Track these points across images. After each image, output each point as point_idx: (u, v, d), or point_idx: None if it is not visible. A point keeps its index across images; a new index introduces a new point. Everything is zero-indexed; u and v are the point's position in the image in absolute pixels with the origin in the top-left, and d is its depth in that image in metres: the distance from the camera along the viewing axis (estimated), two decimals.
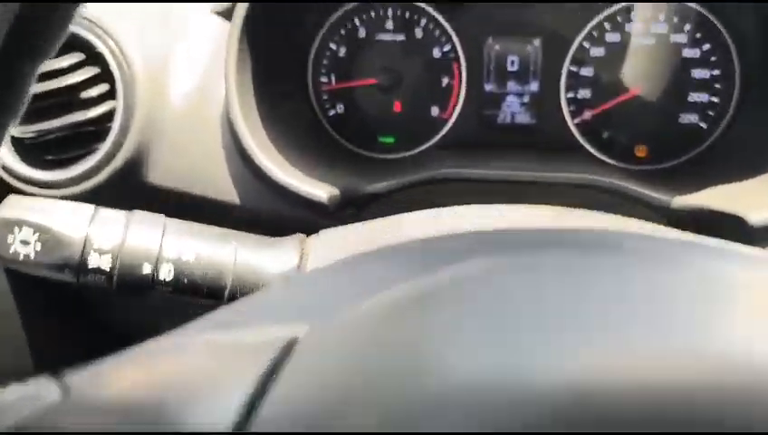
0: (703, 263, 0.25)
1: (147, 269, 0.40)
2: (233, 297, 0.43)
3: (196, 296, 0.42)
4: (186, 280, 0.41)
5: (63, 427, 0.21)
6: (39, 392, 0.22)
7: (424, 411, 0.16)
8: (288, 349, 0.22)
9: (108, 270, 0.39)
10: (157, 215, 0.43)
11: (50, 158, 0.62)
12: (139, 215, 0.42)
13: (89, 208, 0.42)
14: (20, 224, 0.38)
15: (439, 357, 0.18)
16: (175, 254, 0.40)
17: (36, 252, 0.38)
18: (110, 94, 0.62)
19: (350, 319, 0.22)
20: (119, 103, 0.61)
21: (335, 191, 0.58)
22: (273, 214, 0.60)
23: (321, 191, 0.57)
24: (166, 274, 0.40)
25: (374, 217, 0.63)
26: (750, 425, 0.15)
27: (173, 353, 0.23)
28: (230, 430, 0.19)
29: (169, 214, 0.62)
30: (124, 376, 0.22)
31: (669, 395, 0.16)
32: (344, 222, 0.61)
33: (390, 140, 0.77)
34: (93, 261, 0.39)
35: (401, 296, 0.23)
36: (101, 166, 0.61)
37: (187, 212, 0.62)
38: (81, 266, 0.39)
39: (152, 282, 0.40)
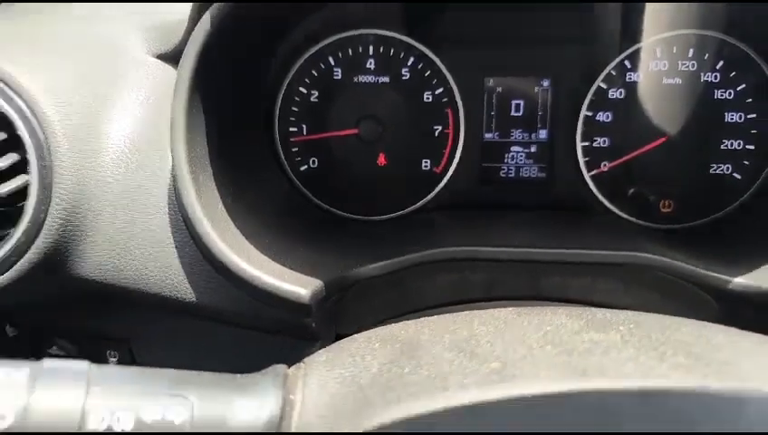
0: None
1: None
2: None
3: None
4: None
5: None
6: None
7: None
8: None
9: None
10: (76, 363, 0.30)
11: None
12: (50, 365, 0.29)
13: (24, 368, 0.29)
14: None
15: None
16: (103, 423, 0.28)
17: None
18: (24, 166, 0.49)
19: None
20: (33, 178, 0.48)
21: (318, 284, 0.46)
22: (240, 312, 0.47)
23: (302, 289, 0.44)
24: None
25: (359, 297, 0.51)
26: None
27: None
28: None
29: (110, 311, 0.49)
30: None
31: None
32: (325, 312, 0.49)
33: (375, 199, 0.65)
34: None
35: None
36: (14, 258, 0.48)
37: (129, 311, 0.49)
38: None
39: None
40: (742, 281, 0.49)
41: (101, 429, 0.29)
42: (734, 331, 0.37)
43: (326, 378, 0.34)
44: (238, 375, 0.35)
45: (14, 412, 0.28)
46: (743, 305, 0.49)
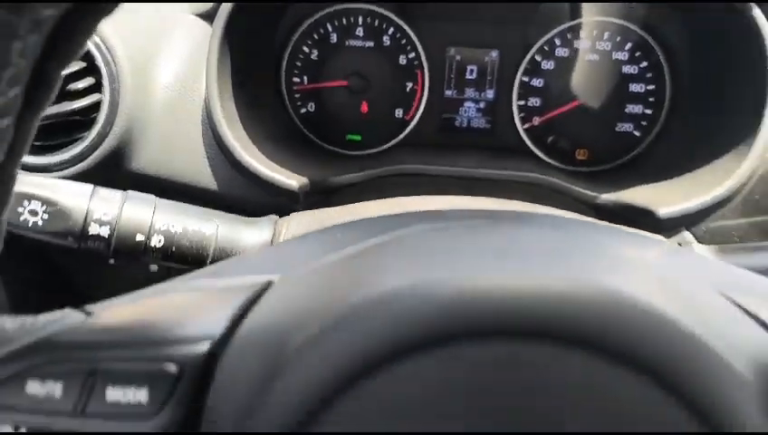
0: (579, 230, 0.33)
1: (140, 238, 0.45)
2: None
3: (181, 263, 0.47)
4: (174, 248, 0.46)
5: (83, 341, 0.27)
6: (65, 317, 0.28)
7: (361, 312, 0.23)
8: (265, 287, 0.28)
9: (106, 237, 0.45)
10: (148, 195, 0.49)
11: (39, 144, 0.67)
12: (133, 194, 0.48)
13: (89, 187, 0.47)
14: (29, 197, 0.43)
15: (373, 278, 0.25)
16: (164, 226, 0.46)
17: (44, 221, 0.43)
18: (97, 87, 0.67)
19: (312, 268, 0.29)
20: (105, 96, 0.66)
21: (304, 181, 0.65)
22: (248, 200, 0.65)
23: (292, 181, 0.63)
24: (156, 242, 0.46)
25: (339, 204, 0.69)
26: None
27: (174, 292, 0.29)
28: (217, 338, 0.26)
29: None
30: (132, 306, 0.28)
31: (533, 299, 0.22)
32: (312, 208, 0.67)
33: (357, 137, 0.83)
34: (93, 230, 0.44)
35: (349, 251, 0.29)
36: (87, 153, 0.66)
37: (170, 196, 0.67)
38: (82, 234, 0.44)
39: (144, 249, 0.46)
40: (608, 196, 0.67)
41: (163, 228, 0.47)
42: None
43: (304, 220, 0.53)
44: (249, 217, 0.53)
45: (113, 213, 0.47)
46: (609, 217, 0.67)
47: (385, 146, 0.83)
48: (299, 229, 0.50)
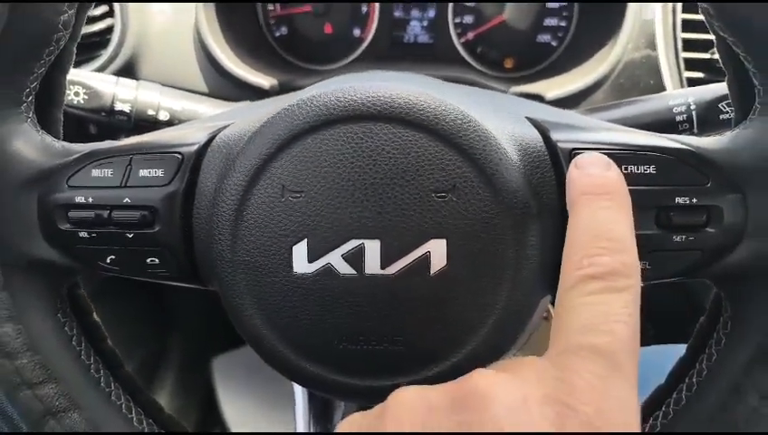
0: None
1: (151, 112, 0.64)
2: None
3: None
4: (176, 121, 0.65)
5: (123, 146, 0.45)
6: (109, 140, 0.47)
7: (300, 109, 0.41)
8: (231, 123, 0.46)
9: (128, 112, 0.64)
10: (155, 84, 0.67)
11: None
12: (144, 83, 0.66)
13: (112, 77, 0.66)
14: (73, 83, 0.62)
15: (304, 96, 0.43)
16: (169, 105, 0.65)
17: (84, 100, 0.62)
18: (109, 14, 0.85)
19: (263, 111, 0.47)
20: (116, 21, 0.84)
21: (274, 82, 0.83)
22: (228, 97, 0.84)
23: (264, 81, 0.81)
24: (163, 116, 0.65)
25: None
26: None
27: (178, 127, 0.48)
28: (202, 142, 0.44)
29: None
30: (152, 133, 0.47)
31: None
32: None
33: (321, 55, 1.01)
34: (119, 106, 0.63)
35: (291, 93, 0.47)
36: (105, 67, 0.84)
37: None
38: (111, 110, 0.63)
39: (155, 121, 0.65)
40: (515, 89, 0.85)
41: (168, 106, 0.66)
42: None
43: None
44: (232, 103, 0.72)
45: (132, 94, 0.65)
46: None
47: (345, 60, 1.01)
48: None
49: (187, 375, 1.54)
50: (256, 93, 0.82)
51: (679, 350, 0.49)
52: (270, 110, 0.43)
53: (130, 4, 0.83)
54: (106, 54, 0.84)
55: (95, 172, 0.43)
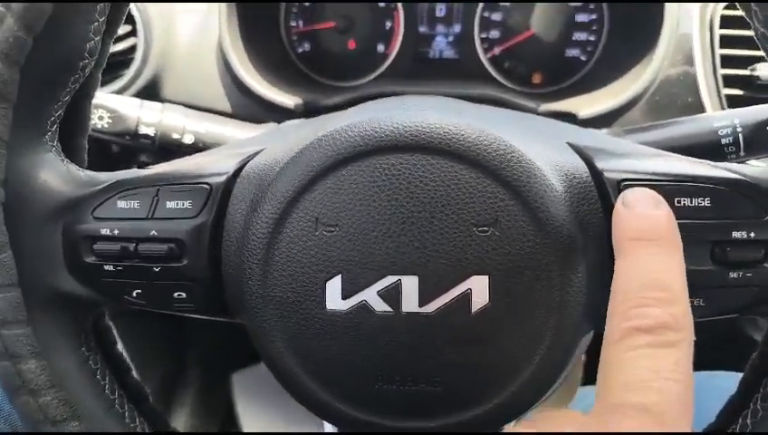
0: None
1: (176, 136, 0.63)
2: None
3: None
4: (200, 144, 0.64)
5: (151, 176, 0.44)
6: (136, 169, 0.45)
7: (334, 139, 0.39)
8: (260, 150, 0.45)
9: (152, 136, 0.63)
10: (180, 106, 0.66)
11: None
12: (169, 105, 0.65)
13: (137, 100, 0.64)
14: (98, 107, 0.61)
15: (328, 124, 0.41)
16: (193, 128, 0.63)
17: (109, 124, 0.61)
18: (133, 33, 0.84)
19: (294, 135, 0.45)
20: (139, 40, 0.83)
21: (299, 101, 0.81)
22: (253, 117, 0.83)
23: (288, 100, 0.80)
24: (188, 139, 0.64)
25: None
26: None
27: (206, 154, 0.46)
28: (231, 172, 0.43)
29: None
30: (179, 161, 0.46)
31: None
32: None
33: (345, 71, 0.99)
34: (143, 130, 0.62)
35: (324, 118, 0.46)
36: (127, 86, 0.83)
37: None
38: (135, 134, 0.62)
39: (179, 145, 0.63)
40: (546, 106, 0.83)
41: (193, 129, 0.65)
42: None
43: (296, 121, 0.70)
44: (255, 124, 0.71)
45: (156, 118, 0.64)
46: None
47: (369, 77, 0.99)
48: (294, 122, 0.67)
49: (206, 392, 1.52)
50: (281, 113, 0.81)
51: (720, 377, 0.46)
52: (302, 137, 0.42)
53: (154, 23, 0.83)
54: (129, 74, 0.83)
55: (121, 204, 0.42)
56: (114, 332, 0.50)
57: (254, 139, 0.50)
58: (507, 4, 0.94)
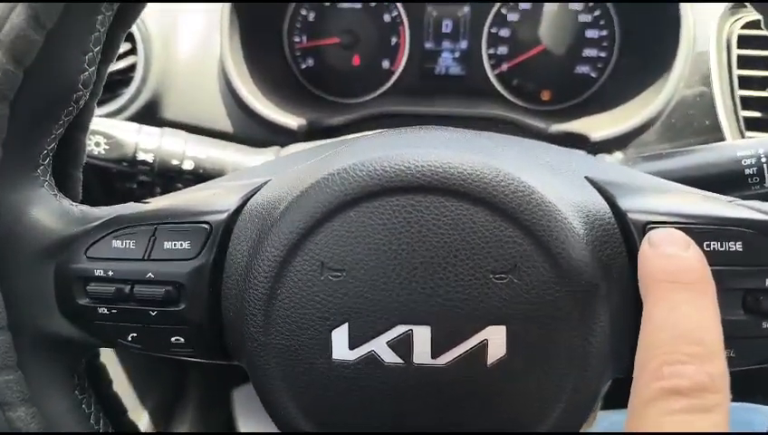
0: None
1: (175, 162, 0.61)
2: None
3: (206, 181, 0.63)
4: (201, 170, 0.62)
5: (147, 213, 0.42)
6: (131, 204, 0.43)
7: (342, 179, 0.37)
8: (265, 182, 0.42)
9: (151, 162, 0.60)
10: (180, 130, 0.64)
11: None
12: (168, 130, 0.63)
13: (135, 125, 0.62)
14: (94, 133, 0.58)
15: (333, 162, 0.39)
16: (194, 153, 0.61)
17: (105, 150, 0.58)
18: (132, 51, 0.82)
19: (294, 168, 0.43)
20: (139, 58, 0.81)
21: (303, 122, 0.79)
22: (256, 139, 0.80)
23: (292, 121, 0.78)
24: (188, 166, 0.61)
25: None
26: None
27: (205, 188, 0.44)
28: (233, 209, 0.40)
29: None
30: (177, 196, 0.43)
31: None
32: None
33: (351, 87, 0.97)
34: (141, 156, 0.60)
35: (331, 153, 0.43)
36: (127, 106, 0.81)
37: None
38: (133, 160, 0.60)
39: (179, 171, 0.61)
40: (556, 127, 0.80)
41: (193, 155, 0.63)
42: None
43: (300, 148, 0.67)
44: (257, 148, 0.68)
45: (154, 143, 0.62)
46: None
47: (375, 93, 0.97)
48: (296, 149, 0.65)
49: (206, 409, 1.50)
50: (284, 134, 0.79)
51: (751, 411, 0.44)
52: (307, 172, 0.39)
53: (154, 41, 0.81)
54: (128, 94, 0.81)
55: (116, 243, 0.40)
56: (108, 371, 0.48)
57: (256, 169, 0.47)
58: (516, 18, 0.92)
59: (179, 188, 0.62)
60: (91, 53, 0.41)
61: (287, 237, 0.37)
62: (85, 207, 0.43)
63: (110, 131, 0.58)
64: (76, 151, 0.45)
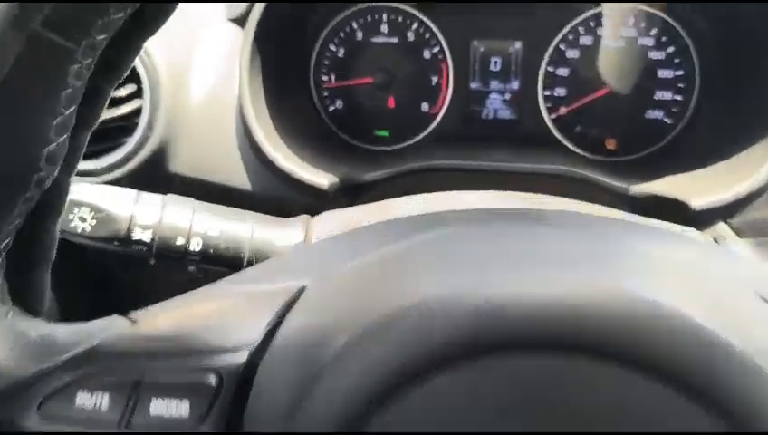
0: (617, 233, 0.33)
1: (180, 241, 0.49)
2: (250, 265, 0.51)
3: (219, 265, 0.50)
4: (211, 251, 0.49)
5: (129, 350, 0.29)
6: (111, 325, 0.31)
7: (393, 323, 0.25)
8: (299, 293, 0.30)
9: (149, 242, 0.48)
10: (187, 198, 0.52)
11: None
12: (173, 198, 0.51)
13: (132, 192, 0.50)
14: (79, 204, 0.47)
15: (404, 286, 0.26)
16: (203, 229, 0.49)
17: (92, 226, 0.46)
18: (137, 93, 0.71)
19: (342, 272, 0.30)
20: (145, 102, 0.70)
21: (334, 179, 0.67)
22: (280, 199, 0.68)
23: (322, 179, 0.65)
24: (195, 245, 0.49)
25: (369, 202, 0.71)
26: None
27: (213, 299, 0.31)
28: (255, 346, 0.28)
29: (193, 197, 0.70)
30: (175, 314, 0.31)
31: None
32: (342, 206, 0.69)
33: (385, 133, 0.85)
34: (137, 235, 0.48)
35: (378, 255, 0.31)
36: (130, 157, 0.70)
37: (207, 196, 0.70)
38: (126, 239, 0.48)
39: (184, 252, 0.49)
40: (640, 187, 0.67)
41: (201, 232, 0.50)
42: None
43: (334, 219, 0.55)
44: (281, 217, 0.56)
45: (154, 217, 0.50)
46: (641, 209, 0.67)
47: (413, 140, 0.85)
48: (330, 229, 0.52)
49: None
50: (313, 194, 0.66)
51: None
52: (363, 289, 0.27)
53: (163, 83, 0.69)
54: (131, 143, 0.70)
55: (82, 398, 0.27)
56: None
57: (283, 264, 0.35)
58: (576, 55, 0.80)
59: (181, 274, 0.51)
60: (61, 117, 0.29)
61: (344, 412, 0.24)
62: (46, 329, 0.31)
63: (100, 202, 0.46)
64: (41, 246, 0.33)
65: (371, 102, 0.84)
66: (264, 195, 0.69)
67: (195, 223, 0.49)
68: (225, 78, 0.73)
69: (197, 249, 0.49)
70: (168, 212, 0.49)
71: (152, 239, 0.48)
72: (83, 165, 0.70)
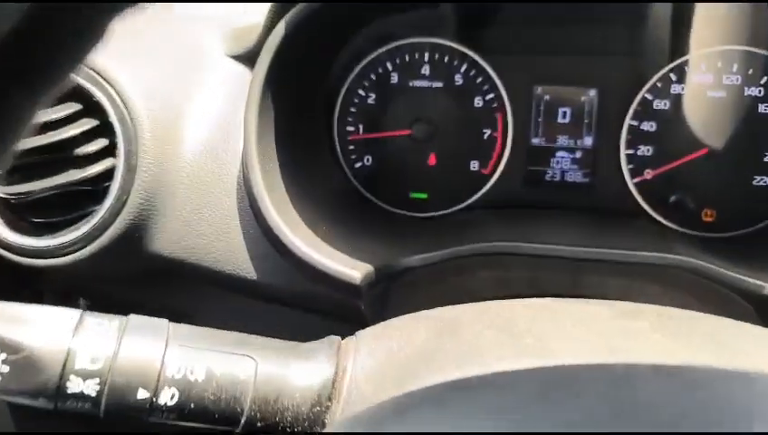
0: None
1: (143, 395, 0.31)
2: (250, 423, 0.34)
3: (205, 423, 0.33)
4: (192, 405, 0.32)
5: None
6: None
7: None
8: None
9: (94, 396, 0.31)
10: (158, 320, 0.35)
11: (39, 221, 0.54)
12: (136, 320, 0.34)
13: (73, 316, 0.33)
14: None
15: None
16: (179, 372, 0.31)
17: (3, 375, 0.29)
18: (110, 150, 0.54)
19: None
20: (119, 161, 0.54)
21: (368, 269, 0.50)
22: (297, 291, 0.51)
23: (354, 271, 0.48)
24: (167, 398, 0.31)
25: (405, 287, 0.55)
26: None
27: None
28: None
29: (175, 287, 0.54)
30: None
31: None
32: (374, 295, 0.52)
33: (423, 196, 0.69)
34: (74, 386, 0.30)
35: None
36: (97, 232, 0.53)
37: (197, 286, 0.53)
38: (59, 392, 0.30)
39: (150, 408, 0.31)
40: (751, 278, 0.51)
41: (178, 377, 0.33)
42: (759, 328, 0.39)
43: (375, 348, 0.38)
44: (297, 343, 0.39)
45: (104, 357, 0.33)
46: None
47: (458, 206, 0.69)
48: (372, 363, 0.36)
49: None
50: (341, 289, 0.49)
51: None
52: None
53: (144, 136, 0.53)
54: (99, 213, 0.53)
55: None
56: None
57: None
58: (666, 106, 0.64)
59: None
60: None
61: None
62: None
63: (16, 336, 0.28)
64: None
65: (407, 159, 0.68)
66: (274, 285, 0.52)
67: (168, 361, 0.32)
68: (227, 131, 0.56)
69: (171, 404, 0.31)
70: (126, 345, 0.32)
71: (99, 392, 0.31)
72: (36, 243, 0.53)
